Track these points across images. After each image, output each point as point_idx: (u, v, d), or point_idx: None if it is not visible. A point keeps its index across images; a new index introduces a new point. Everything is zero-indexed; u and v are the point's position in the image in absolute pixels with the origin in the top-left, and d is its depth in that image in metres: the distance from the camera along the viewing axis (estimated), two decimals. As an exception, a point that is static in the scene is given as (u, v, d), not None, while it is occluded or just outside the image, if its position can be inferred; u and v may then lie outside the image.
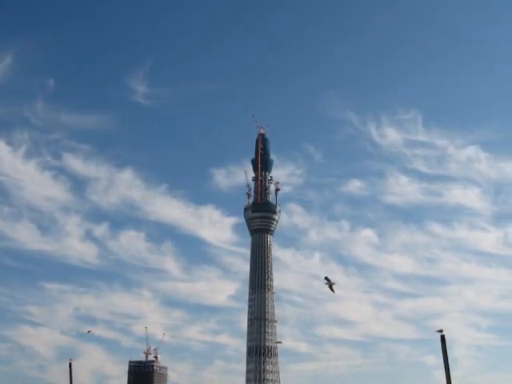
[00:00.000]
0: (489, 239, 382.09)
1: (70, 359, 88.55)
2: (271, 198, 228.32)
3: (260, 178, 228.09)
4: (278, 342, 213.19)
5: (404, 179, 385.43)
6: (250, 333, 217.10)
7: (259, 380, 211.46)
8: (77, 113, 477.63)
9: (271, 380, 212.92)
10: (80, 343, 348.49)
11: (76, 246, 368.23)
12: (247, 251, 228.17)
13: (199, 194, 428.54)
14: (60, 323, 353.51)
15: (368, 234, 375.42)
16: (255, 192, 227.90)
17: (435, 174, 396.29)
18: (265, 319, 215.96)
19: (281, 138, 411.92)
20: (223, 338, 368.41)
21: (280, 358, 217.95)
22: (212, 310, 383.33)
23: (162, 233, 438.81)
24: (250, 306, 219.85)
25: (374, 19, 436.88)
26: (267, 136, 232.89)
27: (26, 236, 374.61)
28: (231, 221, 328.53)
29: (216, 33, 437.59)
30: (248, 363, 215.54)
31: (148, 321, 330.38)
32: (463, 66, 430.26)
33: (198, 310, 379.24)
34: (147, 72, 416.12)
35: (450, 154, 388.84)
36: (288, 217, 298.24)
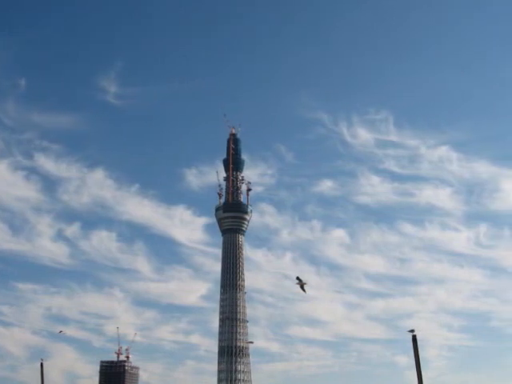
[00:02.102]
0: (460, 239, 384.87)
1: (42, 359, 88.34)
2: (243, 198, 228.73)
3: (231, 177, 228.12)
4: (250, 342, 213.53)
5: (375, 179, 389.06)
6: (221, 333, 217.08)
7: (231, 380, 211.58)
8: (48, 113, 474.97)
9: (243, 380, 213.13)
10: (52, 343, 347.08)
11: (47, 246, 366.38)
12: (219, 251, 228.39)
13: (171, 193, 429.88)
14: (31, 323, 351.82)
15: (339, 234, 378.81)
16: (226, 192, 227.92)
17: (407, 174, 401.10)
18: (236, 319, 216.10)
19: (252, 137, 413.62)
20: (195, 338, 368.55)
21: (252, 358, 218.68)
22: (183, 309, 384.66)
23: (133, 233, 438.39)
24: (221, 306, 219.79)
25: (345, 20, 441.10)
26: (239, 136, 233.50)
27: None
28: (202, 221, 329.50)
29: (187, 33, 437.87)
30: (219, 363, 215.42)
31: (120, 321, 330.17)
32: (434, 66, 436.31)
33: (170, 310, 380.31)
34: (118, 72, 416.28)
35: (422, 154, 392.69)
36: (259, 217, 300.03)
